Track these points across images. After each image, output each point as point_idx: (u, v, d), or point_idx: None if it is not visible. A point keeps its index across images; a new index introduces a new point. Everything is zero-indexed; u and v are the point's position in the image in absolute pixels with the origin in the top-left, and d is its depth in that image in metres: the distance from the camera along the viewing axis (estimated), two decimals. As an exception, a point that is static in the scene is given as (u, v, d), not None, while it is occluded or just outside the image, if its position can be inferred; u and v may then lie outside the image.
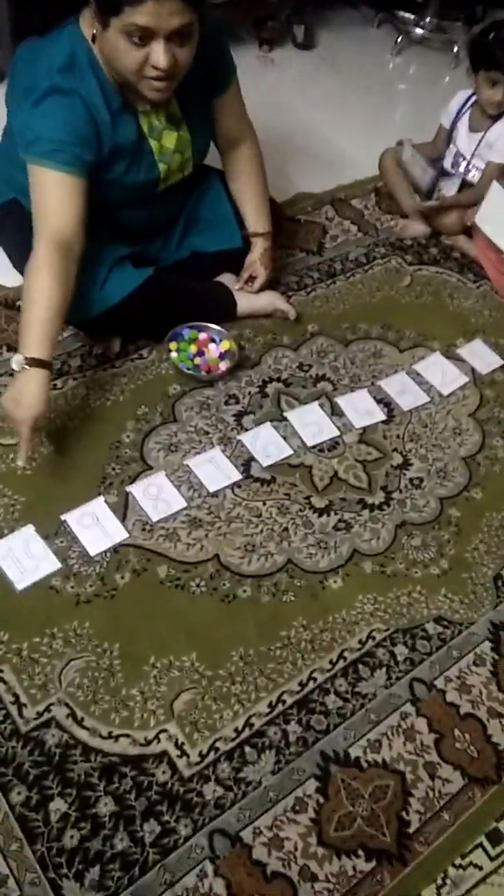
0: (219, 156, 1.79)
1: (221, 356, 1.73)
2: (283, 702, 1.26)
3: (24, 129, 1.39)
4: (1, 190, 1.66)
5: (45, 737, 1.15)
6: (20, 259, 1.71)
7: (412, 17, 3.23)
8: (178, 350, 1.69)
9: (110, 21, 1.27)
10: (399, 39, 3.18)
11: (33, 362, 1.32)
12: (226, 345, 1.74)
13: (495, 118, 2.06)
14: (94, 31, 1.34)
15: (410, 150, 2.13)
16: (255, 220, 1.80)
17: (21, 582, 1.30)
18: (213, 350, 1.74)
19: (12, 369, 1.35)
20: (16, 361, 1.33)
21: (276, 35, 2.98)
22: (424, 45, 3.28)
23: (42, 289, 1.36)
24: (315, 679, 1.29)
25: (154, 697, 1.22)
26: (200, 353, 1.73)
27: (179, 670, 1.26)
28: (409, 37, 3.23)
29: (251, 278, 1.82)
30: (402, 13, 3.25)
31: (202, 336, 1.74)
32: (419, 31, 3.22)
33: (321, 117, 2.67)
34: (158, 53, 1.27)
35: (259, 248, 1.80)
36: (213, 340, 1.75)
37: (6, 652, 1.23)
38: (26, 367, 1.31)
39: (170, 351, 1.69)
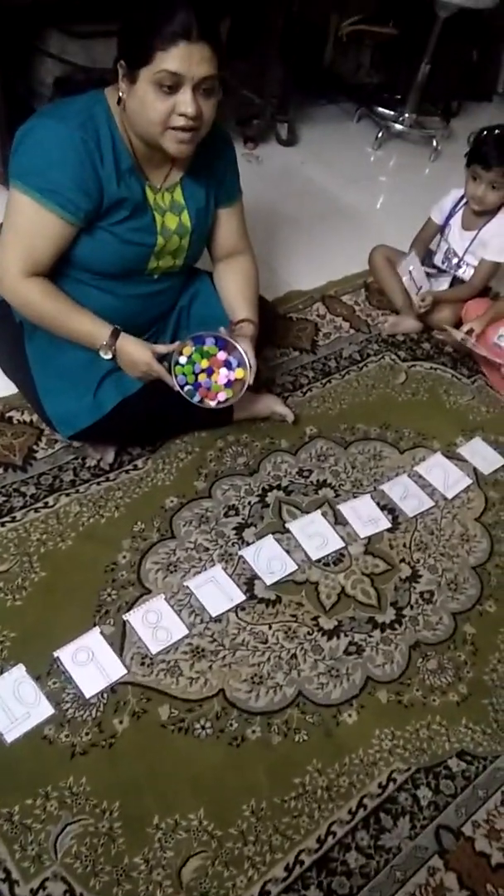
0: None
1: (228, 384, 1.55)
2: (301, 863, 1.14)
3: (22, 156, 1.35)
4: None
5: (39, 923, 1.02)
6: (10, 366, 1.67)
7: (391, 112, 3.32)
8: (189, 357, 1.51)
9: (139, 73, 1.28)
10: (380, 134, 3.27)
11: (111, 339, 1.47)
12: (240, 373, 1.54)
13: (487, 217, 2.08)
14: (121, 95, 1.34)
15: (415, 263, 2.12)
16: (243, 308, 1.67)
17: (11, 733, 1.19)
18: (222, 375, 1.54)
19: (107, 360, 1.51)
20: (103, 350, 1.48)
21: (260, 133, 3.03)
22: (404, 139, 3.38)
23: (48, 295, 1.43)
24: (334, 833, 1.18)
25: (160, 866, 1.10)
26: (208, 372, 1.54)
27: (186, 831, 1.14)
28: (389, 131, 3.32)
29: None
30: (381, 109, 3.35)
31: (220, 356, 1.54)
32: (398, 126, 3.32)
33: (308, 213, 2.70)
34: (186, 100, 1.29)
35: (245, 332, 1.64)
36: (227, 364, 1.55)
37: (-5, 819, 1.11)
38: (112, 347, 1.48)
39: (180, 353, 1.50)
